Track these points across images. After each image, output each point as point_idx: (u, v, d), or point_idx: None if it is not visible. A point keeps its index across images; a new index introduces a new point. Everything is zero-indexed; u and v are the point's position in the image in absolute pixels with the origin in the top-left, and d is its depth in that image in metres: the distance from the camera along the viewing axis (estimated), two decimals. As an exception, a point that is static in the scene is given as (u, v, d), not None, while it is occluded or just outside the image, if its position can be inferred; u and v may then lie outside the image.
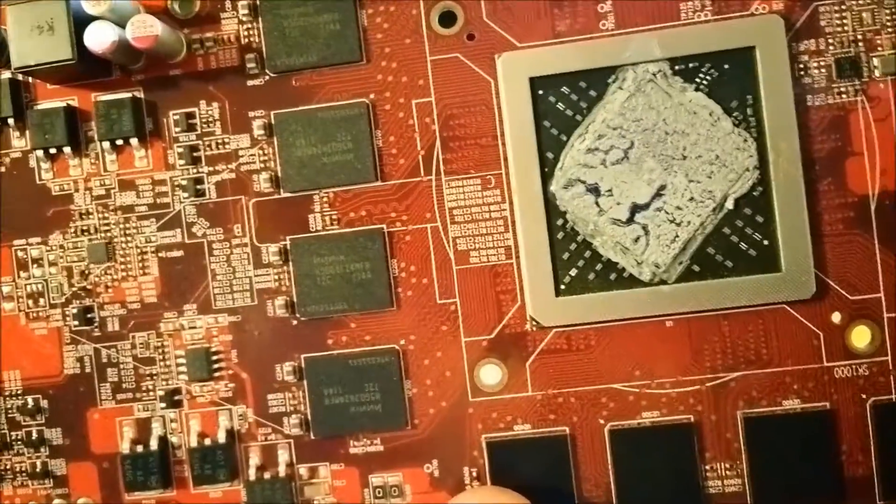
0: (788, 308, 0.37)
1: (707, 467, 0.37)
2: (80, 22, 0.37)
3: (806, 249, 0.36)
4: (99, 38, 0.36)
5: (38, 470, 0.39)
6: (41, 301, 0.40)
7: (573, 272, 0.37)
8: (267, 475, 0.38)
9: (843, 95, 0.36)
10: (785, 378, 0.37)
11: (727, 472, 0.37)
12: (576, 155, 0.37)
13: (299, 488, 0.38)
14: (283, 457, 0.38)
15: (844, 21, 0.36)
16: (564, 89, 0.37)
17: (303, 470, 0.39)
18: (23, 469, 0.40)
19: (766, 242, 0.36)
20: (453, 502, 0.36)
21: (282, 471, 0.38)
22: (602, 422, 0.37)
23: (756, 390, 0.37)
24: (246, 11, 0.38)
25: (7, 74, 0.39)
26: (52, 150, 0.39)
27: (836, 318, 0.36)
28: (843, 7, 0.36)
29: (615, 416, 0.37)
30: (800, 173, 0.36)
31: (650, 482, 0.37)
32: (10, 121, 0.39)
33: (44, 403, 0.40)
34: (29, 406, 0.40)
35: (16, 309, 0.40)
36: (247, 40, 0.39)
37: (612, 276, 0.37)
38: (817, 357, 0.37)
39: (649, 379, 0.37)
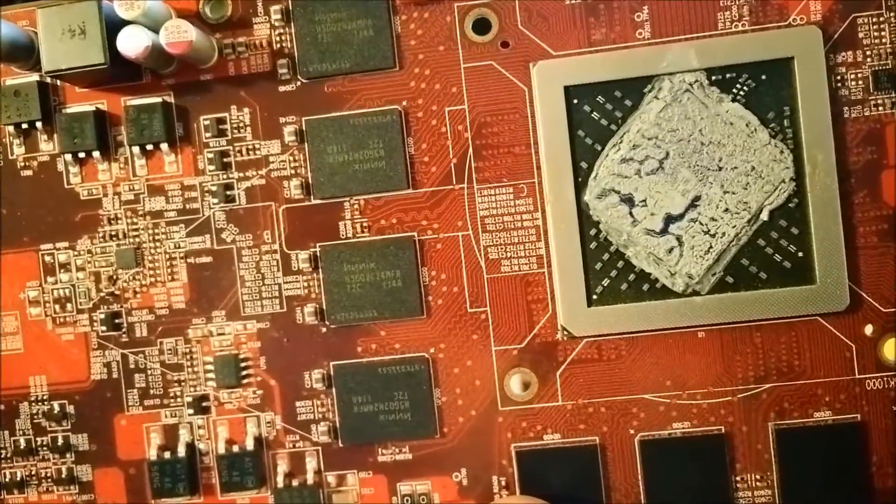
0: (821, 320, 0.36)
1: (737, 478, 0.37)
2: (111, 26, 0.37)
3: (840, 262, 0.36)
4: (132, 43, 0.36)
5: (63, 476, 0.39)
6: (68, 306, 0.39)
7: (605, 282, 0.37)
8: (295, 482, 0.38)
9: (880, 108, 0.36)
10: (816, 390, 0.37)
11: (758, 483, 0.37)
12: (610, 165, 0.37)
13: (327, 496, 0.38)
14: (311, 464, 0.38)
15: (882, 33, 0.36)
16: (599, 98, 0.37)
17: (331, 477, 0.38)
18: (48, 475, 0.40)
19: (800, 254, 0.36)
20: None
21: (310, 478, 0.38)
22: (632, 432, 0.37)
23: (787, 402, 0.37)
24: (279, 16, 0.38)
25: (35, 77, 0.39)
26: (81, 155, 0.39)
27: (869, 330, 0.36)
28: (882, 19, 0.36)
29: (645, 426, 0.37)
30: (835, 185, 0.36)
31: (680, 493, 0.37)
32: (39, 124, 0.39)
33: (70, 409, 0.39)
34: (55, 411, 0.39)
35: (42, 314, 0.40)
36: (279, 45, 0.39)
37: (645, 287, 0.37)
38: (849, 369, 0.36)
39: (680, 390, 0.37)
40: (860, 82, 0.36)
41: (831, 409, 0.36)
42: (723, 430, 0.37)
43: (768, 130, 0.36)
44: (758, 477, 0.37)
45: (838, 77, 0.36)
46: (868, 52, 0.36)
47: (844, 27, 0.36)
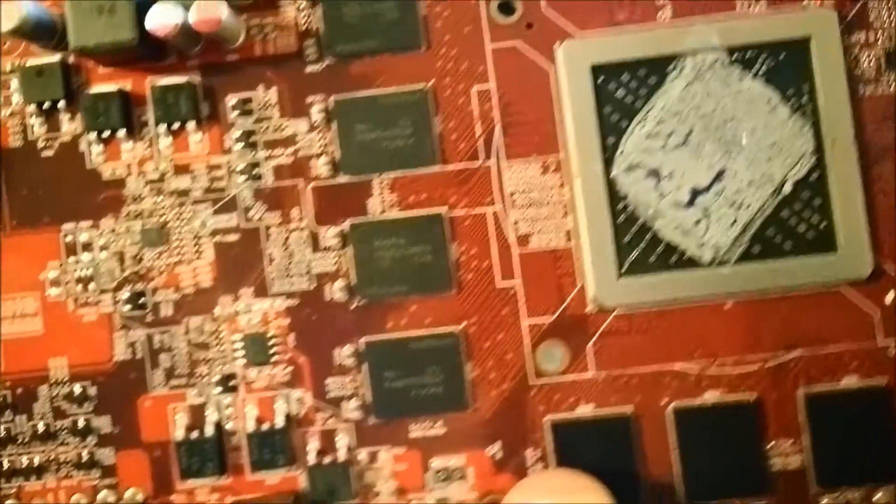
0: (845, 288, 0.37)
1: (769, 445, 0.37)
2: (140, 4, 0.37)
3: (862, 231, 0.37)
4: (164, 19, 0.36)
5: (83, 460, 0.38)
6: (91, 286, 0.39)
7: (634, 255, 0.38)
8: (326, 460, 0.38)
9: (891, 87, 0.38)
10: (843, 357, 0.37)
11: (789, 449, 0.37)
12: (636, 140, 0.38)
13: (359, 472, 0.38)
14: (342, 441, 0.38)
15: (892, 16, 0.38)
16: (624, 77, 0.38)
17: (363, 454, 0.38)
18: (67, 460, 0.38)
19: (823, 224, 0.37)
20: (525, 485, 0.36)
21: (342, 455, 0.38)
22: (665, 402, 0.38)
23: (815, 369, 0.37)
24: (305, -3, 0.39)
25: (58, 58, 0.39)
26: (105, 135, 0.39)
27: (891, 297, 0.37)
28: (891, 3, 0.38)
29: (677, 396, 0.38)
30: (854, 157, 0.37)
31: (713, 460, 0.37)
32: (61, 104, 0.39)
33: (92, 391, 0.39)
34: (76, 394, 0.38)
35: (63, 294, 0.39)
36: (306, 26, 0.39)
37: (673, 259, 0.38)
38: (873, 335, 0.37)
39: (710, 359, 0.38)
40: (873, 62, 0.38)
41: (858, 374, 0.37)
42: (753, 398, 0.38)
43: (789, 106, 0.37)
44: (789, 443, 0.37)
45: (853, 56, 0.38)
46: (880, 34, 0.38)
47: (857, 8, 0.38)
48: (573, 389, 0.38)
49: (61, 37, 0.38)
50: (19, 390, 0.39)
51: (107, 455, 0.38)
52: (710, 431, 0.37)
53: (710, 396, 0.38)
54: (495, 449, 0.38)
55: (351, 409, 0.38)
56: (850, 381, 0.37)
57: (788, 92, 0.37)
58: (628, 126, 0.38)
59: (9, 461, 0.38)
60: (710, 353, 0.38)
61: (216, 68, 0.39)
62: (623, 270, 0.37)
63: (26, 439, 0.38)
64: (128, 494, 0.38)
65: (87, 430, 0.38)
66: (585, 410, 0.38)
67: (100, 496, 0.38)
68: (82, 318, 0.39)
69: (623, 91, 0.38)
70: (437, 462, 0.38)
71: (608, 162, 0.38)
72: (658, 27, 0.38)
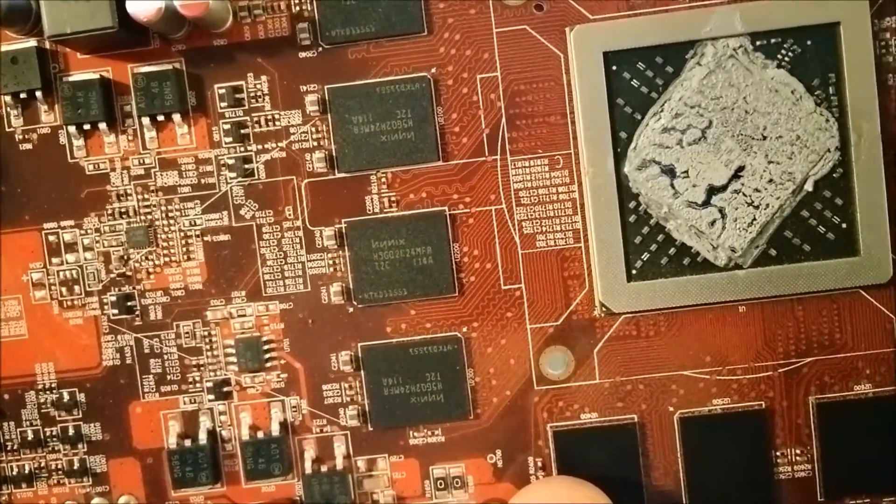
0: (863, 292, 0.36)
1: (778, 453, 0.36)
2: (118, -15, 0.34)
3: (884, 233, 0.35)
4: (145, 5, 0.33)
5: (75, 467, 0.37)
6: (76, 289, 0.37)
7: (645, 256, 0.36)
8: (323, 468, 0.37)
9: (924, 75, 0.35)
10: (857, 363, 0.36)
11: (797, 458, 0.36)
12: (650, 135, 0.35)
13: (357, 481, 0.37)
14: (339, 449, 0.37)
15: (929, -3, 0.35)
16: (640, 65, 0.35)
17: (361, 462, 0.37)
18: (58, 467, 0.37)
19: (844, 226, 0.35)
20: (527, 493, 0.35)
21: (339, 463, 0.37)
22: (672, 409, 0.37)
23: (828, 375, 0.36)
24: (297, -23, 0.36)
25: (33, 43, 0.36)
26: (86, 126, 0.36)
27: (912, 302, 0.36)
28: (928, -16, 0.35)
29: (685, 403, 0.36)
30: (880, 155, 0.35)
31: (720, 469, 0.36)
32: (38, 94, 0.36)
33: (81, 397, 0.37)
34: (65, 400, 0.37)
35: (47, 297, 0.37)
36: (298, 8, 0.36)
37: (686, 261, 0.36)
38: (890, 341, 0.36)
39: (720, 365, 0.36)
40: (905, 48, 0.35)
41: (871, 381, 0.36)
42: (763, 406, 0.36)
43: (814, 98, 0.35)
44: (798, 451, 0.36)
45: (883, 43, 0.35)
46: (914, 17, 0.35)
47: (891, -10, 0.35)
48: (578, 396, 0.37)
49: (36, 20, 0.35)
50: (6, 396, 0.37)
51: (98, 462, 0.37)
52: (717, 440, 0.36)
53: (719, 403, 0.36)
54: (496, 457, 0.37)
55: (348, 417, 0.37)
56: (862, 388, 0.36)
57: (814, 82, 0.35)
58: (642, 119, 0.35)
59: (-2, 467, 0.38)
60: (721, 359, 0.36)
61: (203, 54, 0.37)
62: (633, 273, 0.36)
63: (15, 446, 0.37)
64: (121, 501, 0.37)
65: (78, 438, 0.37)
66: (590, 418, 0.37)
67: (93, 503, 0.37)
68: (68, 321, 0.37)
69: (638, 80, 0.35)
70: (437, 470, 0.37)
71: (620, 157, 0.36)
72: (676, 10, 0.35)
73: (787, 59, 0.35)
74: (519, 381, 0.37)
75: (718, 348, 0.36)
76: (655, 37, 0.35)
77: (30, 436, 0.37)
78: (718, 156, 0.35)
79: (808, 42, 0.35)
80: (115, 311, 0.37)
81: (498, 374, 0.37)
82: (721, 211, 0.35)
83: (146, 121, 0.36)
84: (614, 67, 0.35)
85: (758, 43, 0.35)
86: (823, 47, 0.35)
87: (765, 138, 0.35)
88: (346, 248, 0.36)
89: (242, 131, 0.36)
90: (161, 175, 0.37)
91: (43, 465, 0.37)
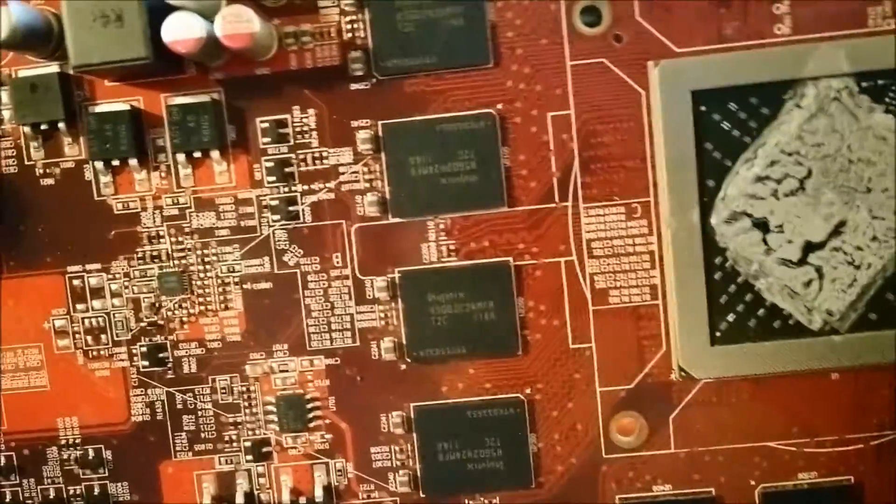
0: (968, 361, 0.33)
1: (868, 533, 0.34)
2: (151, 11, 0.30)
3: None
4: (185, 32, 0.30)
5: (101, 529, 0.35)
6: (102, 338, 0.34)
7: (731, 318, 0.33)
8: (371, 538, 0.34)
9: None
10: (959, 438, 0.33)
11: (889, 538, 0.34)
12: (742, 184, 0.32)
13: (407, 553, 0.34)
14: (388, 518, 0.34)
15: None
16: (732, 105, 0.32)
17: (412, 532, 0.34)
18: (83, 528, 0.35)
19: (953, 289, 0.32)
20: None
21: (388, 534, 0.34)
22: (753, 483, 0.34)
23: (926, 451, 0.33)
24: (350, 0, 0.32)
25: (55, 68, 0.33)
26: (115, 162, 0.33)
27: None
28: None
29: (768, 476, 0.34)
30: None
31: (805, 550, 0.33)
32: (61, 125, 0.33)
33: (107, 454, 0.35)
34: (90, 457, 0.34)
35: (71, 346, 0.34)
36: (350, 35, 0.33)
37: (777, 324, 0.32)
38: None
39: (808, 436, 0.33)
40: None
41: (974, 458, 0.33)
42: (852, 480, 0.33)
43: (925, 147, 0.31)
44: (891, 532, 0.33)
45: None
46: None
47: None
48: (650, 466, 0.34)
49: (58, 42, 0.32)
50: (25, 451, 0.35)
51: (127, 525, 0.35)
52: (805, 518, 0.33)
53: (805, 478, 0.33)
54: (561, 531, 0.34)
55: (398, 483, 0.34)
56: (967, 468, 0.33)
57: (926, 130, 0.31)
58: (733, 166, 0.32)
59: (18, 527, 0.35)
60: (810, 430, 0.33)
61: (244, 84, 0.33)
62: (717, 336, 0.32)
63: (36, 506, 0.35)
64: (152, 568, 0.35)
65: (104, 498, 0.35)
66: (663, 490, 0.34)
67: (121, 569, 0.35)
68: (94, 372, 0.34)
69: (729, 123, 0.32)
70: (496, 543, 0.34)
71: (706, 208, 0.32)
72: (774, 45, 0.32)
73: (895, 102, 0.32)
74: (586, 449, 0.34)
75: (806, 418, 0.33)
76: (750, 75, 0.32)
77: (52, 494, 0.35)
78: (817, 209, 0.32)
79: (922, 85, 0.31)
80: (146, 363, 0.34)
81: (563, 440, 0.34)
82: (818, 270, 0.32)
83: (181, 157, 0.33)
84: (703, 108, 0.32)
85: (864, 84, 0.31)
86: (939, 90, 0.31)
87: (869, 191, 0.32)
88: (399, 300, 0.33)
89: (287, 170, 0.33)
90: (197, 216, 0.33)
91: (66, 527, 0.35)
